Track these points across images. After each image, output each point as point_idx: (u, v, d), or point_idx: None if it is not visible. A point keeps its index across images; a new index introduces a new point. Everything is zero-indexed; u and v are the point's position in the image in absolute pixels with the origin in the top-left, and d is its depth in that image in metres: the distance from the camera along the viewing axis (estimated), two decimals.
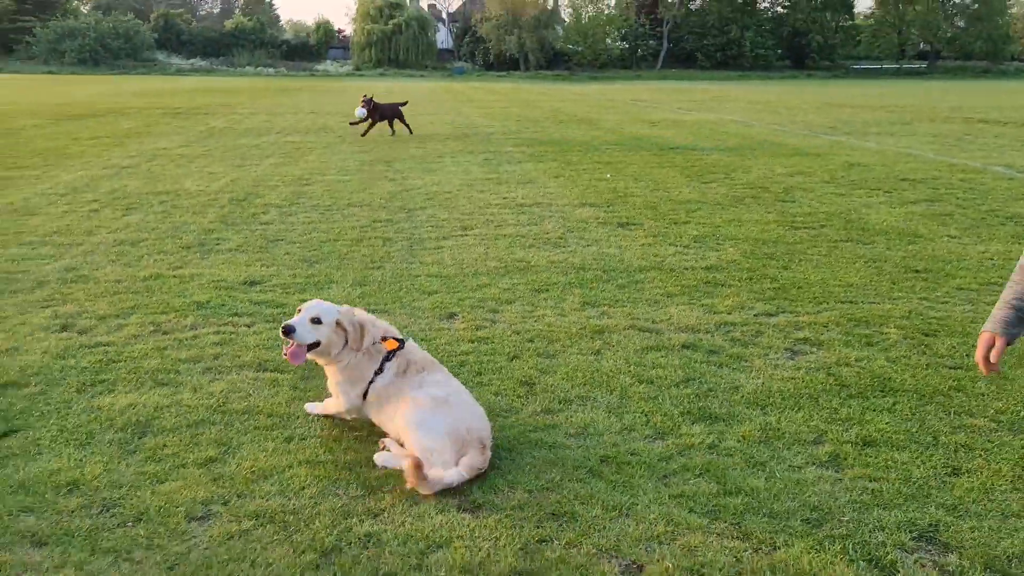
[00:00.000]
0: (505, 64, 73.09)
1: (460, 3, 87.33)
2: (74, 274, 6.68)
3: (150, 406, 4.27)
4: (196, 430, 4.03)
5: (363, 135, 16.96)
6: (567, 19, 79.10)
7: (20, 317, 5.60)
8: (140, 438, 3.94)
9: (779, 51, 79.07)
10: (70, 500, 3.38)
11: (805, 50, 79.14)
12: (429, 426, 3.65)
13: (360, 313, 4.04)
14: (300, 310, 3.93)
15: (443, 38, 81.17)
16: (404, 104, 18.23)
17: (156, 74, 58.06)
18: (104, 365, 4.81)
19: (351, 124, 17.43)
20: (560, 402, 4.44)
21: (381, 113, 17.17)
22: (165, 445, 3.87)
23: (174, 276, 6.68)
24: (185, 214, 9.13)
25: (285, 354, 3.86)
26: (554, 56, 74.68)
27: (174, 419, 4.14)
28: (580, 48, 74.74)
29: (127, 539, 3.13)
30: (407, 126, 17.81)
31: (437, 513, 3.36)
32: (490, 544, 3.15)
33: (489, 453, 3.67)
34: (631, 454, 3.87)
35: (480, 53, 75.41)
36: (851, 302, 6.22)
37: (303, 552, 3.07)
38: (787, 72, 74.76)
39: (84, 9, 70.20)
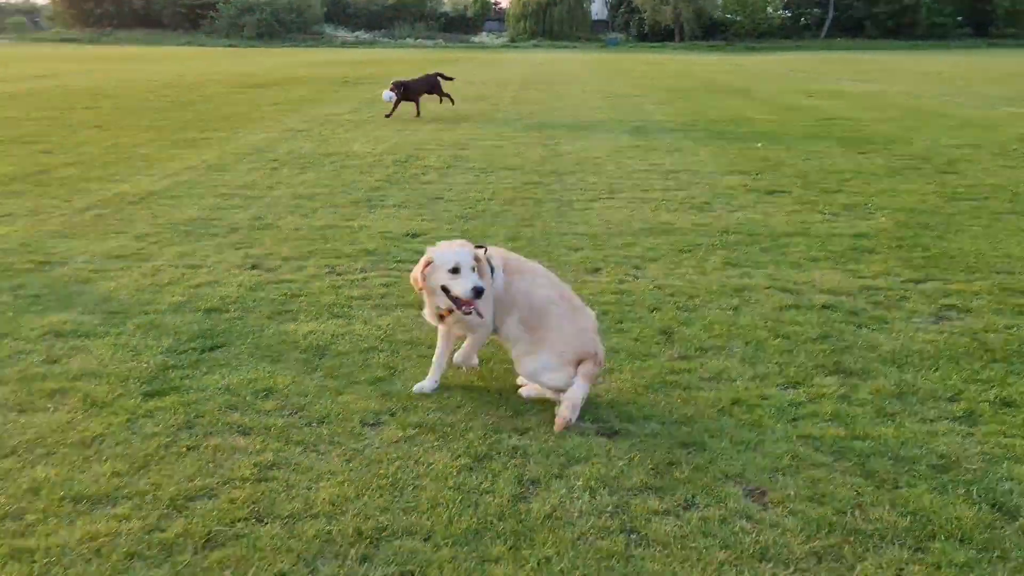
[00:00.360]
0: (659, 35, 71.65)
1: None
2: (260, 222, 7.48)
3: (328, 333, 4.86)
4: (367, 355, 4.57)
5: (388, 115, 15.27)
6: None
7: (218, 256, 6.39)
8: (320, 358, 4.52)
9: (959, 18, 73.33)
10: (266, 403, 3.98)
11: (989, 17, 72.96)
12: (549, 370, 3.91)
13: (461, 242, 4.06)
14: (433, 261, 3.90)
15: (597, 9, 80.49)
16: (450, 79, 16.63)
17: (323, 46, 61.02)
18: (288, 298, 5.46)
19: (387, 116, 15.32)
20: (696, 350, 4.69)
21: (414, 90, 15.59)
22: (341, 365, 4.43)
23: (345, 227, 7.34)
24: (354, 173, 9.88)
25: (469, 311, 3.86)
26: (710, 26, 72.55)
27: (348, 345, 4.70)
28: (738, 18, 72.20)
29: (313, 435, 3.69)
30: (446, 97, 16.18)
31: (577, 435, 3.72)
32: (624, 463, 3.48)
33: (602, 356, 3.99)
34: (762, 398, 4.09)
35: (635, 24, 74.29)
36: (1008, 273, 6.07)
37: (459, 456, 3.52)
38: (967, 41, 69.30)
39: None
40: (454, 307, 3.92)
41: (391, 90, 15.27)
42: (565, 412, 3.80)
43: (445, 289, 3.90)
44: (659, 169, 10.23)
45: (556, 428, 3.79)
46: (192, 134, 12.87)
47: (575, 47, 64.08)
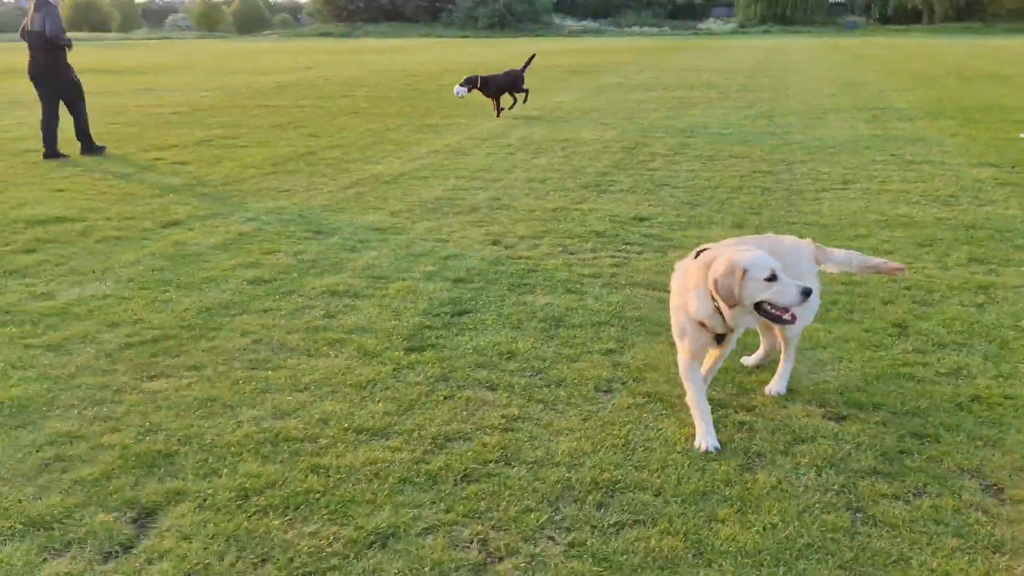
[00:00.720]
0: (904, 16, 66.51)
1: None
2: (498, 203, 8.03)
3: (562, 306, 5.23)
4: (599, 328, 4.88)
5: (497, 116, 14.18)
6: None
7: (462, 232, 6.98)
8: (556, 328, 4.89)
9: None
10: (510, 364, 4.41)
11: None
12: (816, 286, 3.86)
13: (734, 242, 3.87)
14: (748, 271, 3.39)
15: None
16: (531, 58, 15.16)
17: (551, 35, 62.41)
18: (526, 273, 5.90)
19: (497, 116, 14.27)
20: (933, 345, 4.58)
21: (495, 85, 14.24)
22: (575, 336, 4.77)
23: (576, 209, 7.72)
24: (583, 159, 10.26)
25: (792, 319, 3.52)
26: (965, 5, 66.18)
27: (581, 318, 5.04)
28: None
29: (552, 395, 4.05)
30: (518, 96, 14.63)
31: (803, 416, 3.82)
32: (852, 446, 3.55)
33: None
34: (1005, 398, 3.96)
35: (876, 5, 69.44)
36: None
37: (686, 426, 3.74)
38: None
39: None
40: (771, 320, 3.54)
41: (462, 85, 14.16)
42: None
43: (759, 304, 3.47)
44: (899, 159, 9.75)
45: (903, 271, 4.22)
46: (435, 120, 13.86)
47: (809, 32, 60.98)
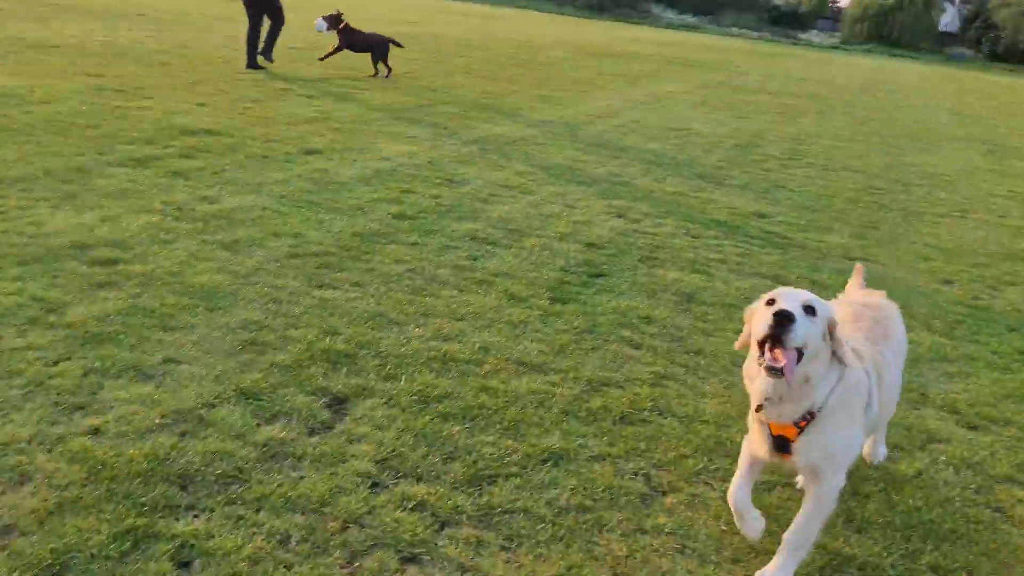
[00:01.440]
0: (1016, 55, 64.28)
1: None
2: (617, 179, 8.22)
3: (692, 285, 5.42)
4: (729, 310, 5.06)
5: (321, 59, 13.46)
6: None
7: (587, 201, 7.20)
8: (688, 303, 5.09)
9: None
10: (649, 327, 4.62)
11: None
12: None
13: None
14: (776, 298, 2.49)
15: (947, 21, 73.71)
16: (400, 46, 13.68)
17: (649, 24, 61.78)
18: (654, 249, 6.10)
19: (320, 59, 13.59)
20: None
21: (354, 42, 13.15)
22: (708, 313, 4.97)
23: (694, 197, 7.87)
24: (695, 150, 10.37)
25: (772, 363, 2.39)
26: None
27: (712, 297, 5.24)
28: None
29: (692, 362, 4.27)
30: (383, 67, 13.22)
31: (937, 419, 3.98)
32: (987, 453, 3.72)
33: None
34: None
35: (988, 40, 67.18)
36: None
37: None
38: None
39: None
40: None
41: (324, 19, 13.07)
42: None
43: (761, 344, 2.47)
44: (1018, 196, 9.68)
45: None
46: (547, 91, 14.04)
47: (915, 58, 59.37)
